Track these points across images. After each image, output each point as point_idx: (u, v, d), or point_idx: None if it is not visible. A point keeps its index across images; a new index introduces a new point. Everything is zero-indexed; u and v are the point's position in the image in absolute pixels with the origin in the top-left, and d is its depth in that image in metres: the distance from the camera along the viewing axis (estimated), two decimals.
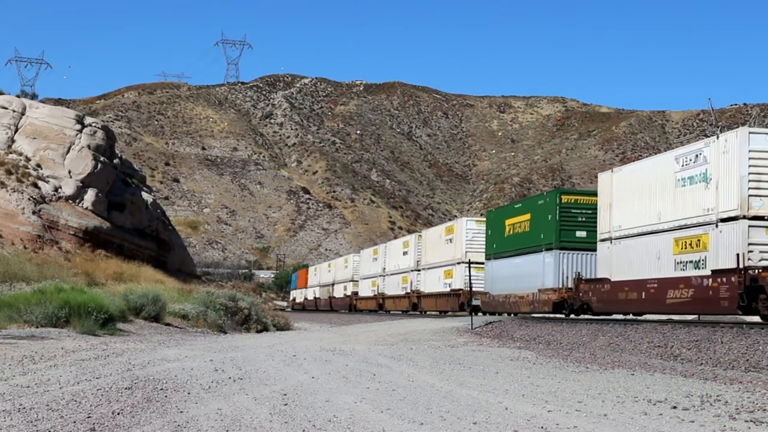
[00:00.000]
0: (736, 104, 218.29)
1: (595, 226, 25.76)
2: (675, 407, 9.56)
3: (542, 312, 28.28)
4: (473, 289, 33.54)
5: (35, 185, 43.84)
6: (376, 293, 54.31)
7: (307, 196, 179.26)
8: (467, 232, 38.08)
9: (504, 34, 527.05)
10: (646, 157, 30.85)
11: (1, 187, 42.19)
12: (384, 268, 53.12)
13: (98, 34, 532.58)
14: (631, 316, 26.58)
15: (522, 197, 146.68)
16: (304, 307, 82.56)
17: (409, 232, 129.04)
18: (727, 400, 10.02)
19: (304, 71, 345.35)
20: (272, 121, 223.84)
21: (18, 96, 62.06)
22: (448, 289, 39.15)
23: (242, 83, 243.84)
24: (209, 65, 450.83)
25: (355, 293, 61.28)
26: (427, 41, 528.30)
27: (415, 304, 45.33)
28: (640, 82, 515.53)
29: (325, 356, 16.57)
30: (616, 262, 23.78)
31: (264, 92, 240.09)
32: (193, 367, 13.76)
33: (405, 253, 48.41)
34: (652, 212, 22.20)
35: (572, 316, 26.39)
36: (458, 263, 37.53)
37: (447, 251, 40.09)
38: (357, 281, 61.50)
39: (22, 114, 49.31)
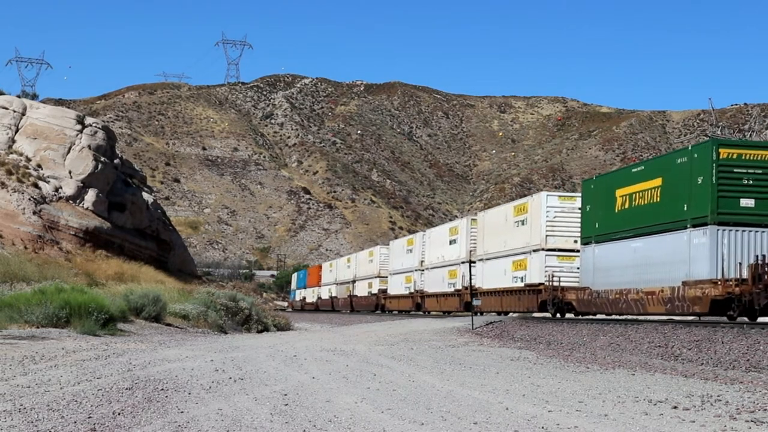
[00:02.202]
0: (736, 104, 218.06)
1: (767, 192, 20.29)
2: (676, 407, 9.56)
3: (691, 314, 21.40)
4: (559, 283, 27.65)
5: (36, 185, 43.86)
6: (412, 291, 46.65)
7: (308, 196, 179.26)
8: (548, 211, 29.85)
9: (504, 34, 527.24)
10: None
11: (2, 188, 42.20)
12: (422, 261, 45.15)
13: (98, 34, 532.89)
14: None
15: (522, 197, 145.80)
16: (317, 308, 75.31)
17: (410, 232, 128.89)
18: (728, 400, 10.02)
19: (305, 71, 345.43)
20: (273, 121, 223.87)
21: (18, 96, 62.13)
22: (520, 284, 31.66)
23: (243, 83, 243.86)
24: (209, 65, 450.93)
25: (384, 291, 53.63)
26: (427, 41, 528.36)
27: (468, 304, 37.24)
28: (640, 82, 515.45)
29: (325, 356, 16.57)
30: None
31: (264, 92, 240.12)
32: (193, 367, 13.77)
33: (452, 242, 40.42)
34: None
35: (745, 319, 20.21)
36: (534, 251, 30.28)
37: (517, 237, 32.09)
38: (385, 277, 53.98)
39: (23, 114, 49.35)
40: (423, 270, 45.04)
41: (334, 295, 69.50)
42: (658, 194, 22.41)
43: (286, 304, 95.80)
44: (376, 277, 56.30)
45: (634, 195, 23.76)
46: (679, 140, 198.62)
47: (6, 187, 42.31)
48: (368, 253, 61.40)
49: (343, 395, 10.53)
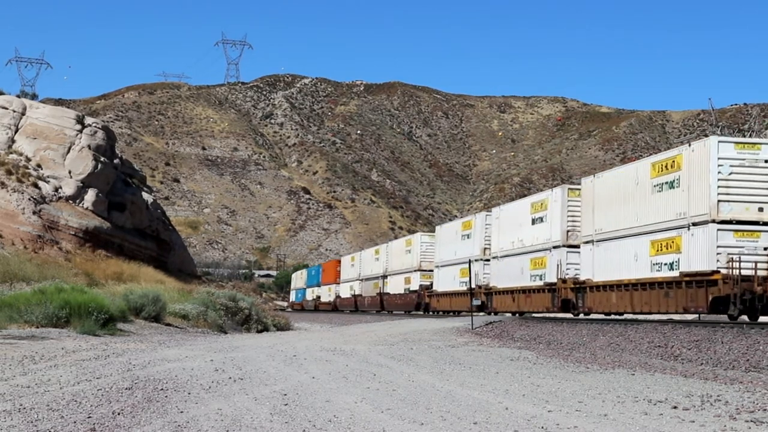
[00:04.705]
0: (736, 104, 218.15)
1: None
2: (675, 407, 9.56)
3: None
4: (754, 272, 19.69)
5: (35, 185, 43.84)
6: (473, 286, 35.81)
7: (308, 196, 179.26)
8: (720, 165, 20.78)
9: (504, 34, 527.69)
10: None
11: (2, 188, 42.19)
12: (486, 248, 36.57)
13: (98, 34, 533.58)
14: (631, 316, 26.01)
15: (522, 198, 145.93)
16: (335, 308, 67.61)
17: (410, 232, 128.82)
18: (728, 400, 10.02)
19: (305, 71, 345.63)
20: (272, 121, 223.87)
21: (18, 96, 62.08)
22: (669, 274, 22.26)
23: (242, 83, 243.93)
24: (209, 65, 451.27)
25: (427, 287, 45.28)
26: (427, 41, 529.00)
27: (567, 302, 28.41)
28: (640, 82, 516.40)
29: (325, 356, 16.56)
30: None
31: (264, 92, 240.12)
32: (193, 367, 13.76)
33: (537, 221, 31.30)
34: None
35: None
36: (696, 224, 21.26)
37: (660, 206, 22.99)
38: (429, 271, 45.60)
39: (23, 114, 49.33)
40: (488, 260, 35.92)
41: (357, 293, 61.07)
42: None
43: (285, 304, 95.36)
44: (416, 270, 47.70)
45: None
46: (679, 140, 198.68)
47: (6, 187, 42.30)
48: (404, 242, 51.95)
49: (342, 395, 10.52)
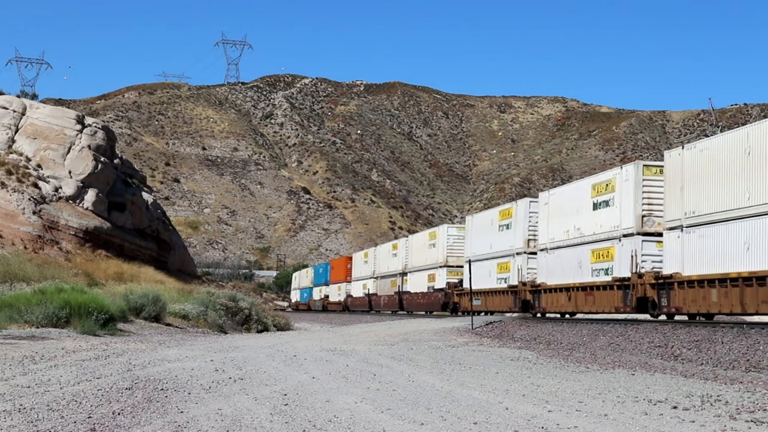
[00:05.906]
0: (736, 104, 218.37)
1: None
2: (675, 407, 9.56)
3: None
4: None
5: (36, 185, 43.84)
6: (512, 283, 32.41)
7: (308, 196, 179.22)
8: None
9: (504, 34, 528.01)
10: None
11: (2, 188, 42.18)
12: (530, 240, 31.67)
13: (98, 34, 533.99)
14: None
15: (522, 198, 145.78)
16: (345, 308, 62.76)
17: (410, 232, 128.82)
18: (728, 400, 10.02)
19: (305, 71, 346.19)
20: (272, 121, 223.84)
21: (18, 96, 62.08)
22: None
23: (242, 83, 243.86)
24: (209, 65, 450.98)
25: (456, 285, 40.10)
26: (427, 41, 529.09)
27: (644, 301, 23.31)
28: (640, 82, 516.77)
29: (325, 356, 16.56)
30: None
31: (264, 92, 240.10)
32: (193, 367, 13.76)
33: (600, 206, 26.10)
34: None
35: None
36: None
37: None
38: (458, 267, 40.71)
39: (23, 114, 49.33)
40: (534, 253, 31.33)
41: (372, 291, 56.24)
42: None
43: (286, 304, 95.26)
44: (441, 266, 42.94)
45: None
46: (679, 140, 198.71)
47: (6, 187, 42.30)
48: (428, 235, 46.89)
49: (343, 395, 10.53)
